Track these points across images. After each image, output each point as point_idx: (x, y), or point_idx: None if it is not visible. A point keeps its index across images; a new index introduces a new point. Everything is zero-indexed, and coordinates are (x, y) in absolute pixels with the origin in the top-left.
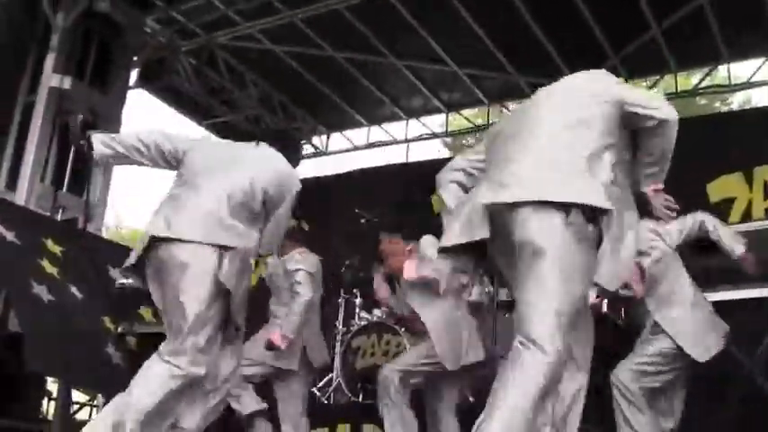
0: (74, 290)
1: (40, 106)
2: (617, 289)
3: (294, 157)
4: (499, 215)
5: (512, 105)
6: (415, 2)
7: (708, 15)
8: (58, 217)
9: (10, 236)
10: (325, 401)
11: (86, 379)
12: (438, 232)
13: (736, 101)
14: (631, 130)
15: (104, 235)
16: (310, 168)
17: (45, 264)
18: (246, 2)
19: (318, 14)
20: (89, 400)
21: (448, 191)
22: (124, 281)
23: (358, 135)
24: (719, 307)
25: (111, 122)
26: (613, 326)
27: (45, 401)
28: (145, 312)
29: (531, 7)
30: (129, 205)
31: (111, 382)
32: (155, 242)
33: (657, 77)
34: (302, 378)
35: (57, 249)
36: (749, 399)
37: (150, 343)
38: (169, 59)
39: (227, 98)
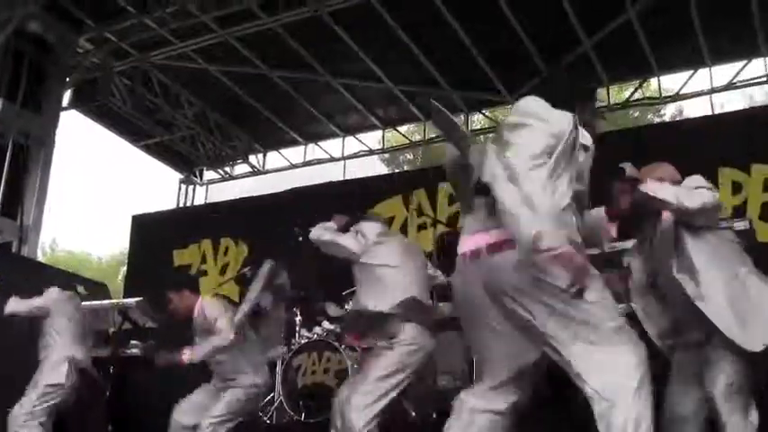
0: None
1: None
2: None
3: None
4: None
5: None
6: (349, 19)
7: (636, 29)
8: None
9: None
10: (267, 421)
11: None
12: None
13: (669, 112)
14: None
15: (40, 258)
16: (247, 188)
17: None
18: (180, 21)
19: (252, 33)
20: None
21: None
22: None
23: (295, 153)
24: None
25: (44, 145)
26: None
27: None
28: None
29: (464, 24)
30: (65, 228)
31: None
32: None
33: None
34: None
35: None
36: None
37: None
38: (102, 80)
39: (162, 118)
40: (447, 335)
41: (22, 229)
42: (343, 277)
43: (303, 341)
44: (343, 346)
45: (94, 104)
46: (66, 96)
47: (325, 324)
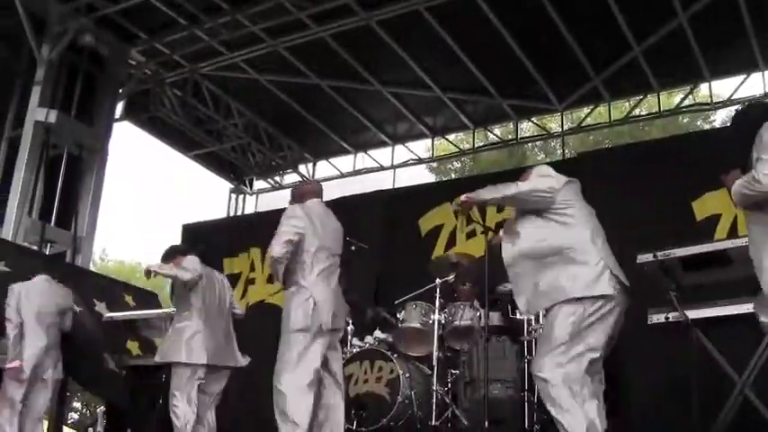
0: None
1: (26, 140)
2: None
3: None
4: None
5: (496, 129)
6: (398, 28)
7: (687, 35)
8: (47, 251)
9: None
10: None
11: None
12: (424, 256)
13: (719, 118)
14: None
15: (91, 268)
16: None
17: None
18: (230, 32)
19: (302, 43)
20: None
21: None
22: (111, 315)
23: (344, 162)
24: (713, 323)
25: (97, 155)
26: None
27: None
28: (132, 346)
29: (514, 31)
30: (115, 238)
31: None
32: None
33: (640, 97)
34: None
35: None
36: (741, 415)
37: (139, 376)
38: (154, 91)
39: (213, 128)
40: (499, 343)
41: (75, 238)
42: (395, 286)
43: (355, 350)
44: (395, 355)
45: (146, 115)
46: (119, 108)
47: (377, 333)
